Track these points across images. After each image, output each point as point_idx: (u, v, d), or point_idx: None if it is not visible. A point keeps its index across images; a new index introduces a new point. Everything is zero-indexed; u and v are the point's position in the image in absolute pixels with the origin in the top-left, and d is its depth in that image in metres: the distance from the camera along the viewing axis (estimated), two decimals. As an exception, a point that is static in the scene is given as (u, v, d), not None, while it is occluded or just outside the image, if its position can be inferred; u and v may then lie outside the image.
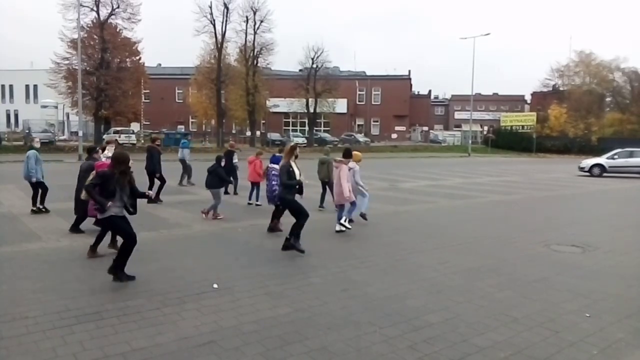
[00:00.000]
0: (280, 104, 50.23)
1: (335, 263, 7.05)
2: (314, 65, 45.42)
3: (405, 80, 67.91)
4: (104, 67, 36.33)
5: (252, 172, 12.20)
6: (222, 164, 11.02)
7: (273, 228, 8.97)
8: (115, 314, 4.89)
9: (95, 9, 36.37)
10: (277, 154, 10.01)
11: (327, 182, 11.68)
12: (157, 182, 12.68)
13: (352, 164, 9.81)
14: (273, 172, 9.33)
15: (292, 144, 8.03)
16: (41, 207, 10.54)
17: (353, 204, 9.42)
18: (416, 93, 77.48)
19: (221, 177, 10.38)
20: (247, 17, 41.92)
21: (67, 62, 36.53)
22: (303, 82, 45.71)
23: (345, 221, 9.18)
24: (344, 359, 4.08)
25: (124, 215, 5.97)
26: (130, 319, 4.80)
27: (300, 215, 7.46)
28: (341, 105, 54.04)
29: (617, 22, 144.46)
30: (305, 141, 47.07)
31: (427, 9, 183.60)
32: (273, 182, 9.23)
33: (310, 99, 45.89)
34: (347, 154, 9.74)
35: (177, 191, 14.36)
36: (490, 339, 4.55)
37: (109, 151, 10.61)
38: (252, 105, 43.05)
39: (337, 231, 9.08)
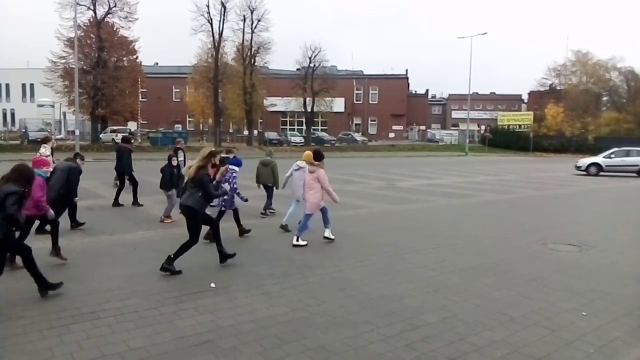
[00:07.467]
0: (278, 103, 50.11)
1: (332, 262, 7.06)
2: (312, 64, 45.43)
3: (402, 80, 67.92)
4: (101, 66, 36.16)
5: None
6: (175, 162, 10.35)
7: (241, 233, 8.64)
8: (112, 314, 4.88)
9: (92, 7, 36.17)
10: (238, 157, 9.01)
11: (270, 187, 10.93)
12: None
13: (302, 163, 9.10)
14: (234, 174, 8.57)
15: (211, 149, 6.85)
16: None
17: (324, 210, 8.44)
18: (413, 92, 77.52)
19: (165, 178, 9.95)
20: (244, 16, 41.84)
21: (63, 61, 36.34)
22: (300, 81, 45.68)
23: (328, 233, 8.45)
24: (341, 358, 4.09)
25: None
26: (128, 318, 4.79)
27: (195, 237, 6.52)
28: (339, 104, 53.96)
29: (613, 21, 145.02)
30: (303, 140, 47.07)
31: (423, 9, 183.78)
32: (235, 186, 8.55)
33: (307, 98, 45.87)
34: (321, 156, 8.51)
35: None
36: (487, 337, 4.56)
37: (45, 149, 10.40)
38: (250, 104, 42.98)
39: (326, 237, 8.40)
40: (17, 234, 5.54)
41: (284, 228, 9.11)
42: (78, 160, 9.17)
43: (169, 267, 6.28)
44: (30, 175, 5.40)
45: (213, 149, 6.89)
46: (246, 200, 8.67)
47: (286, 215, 9.31)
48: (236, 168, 8.75)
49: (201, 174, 6.45)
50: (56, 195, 7.88)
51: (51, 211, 6.49)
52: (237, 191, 8.58)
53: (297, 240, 8.06)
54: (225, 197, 8.36)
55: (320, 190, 8.27)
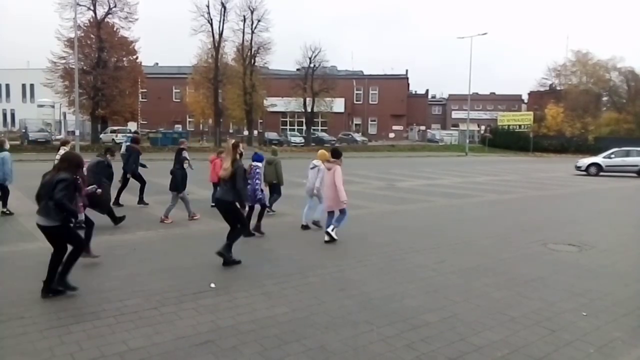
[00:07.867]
0: (278, 103, 50.13)
1: (332, 262, 7.06)
2: (312, 65, 45.44)
3: (402, 80, 67.95)
4: (101, 67, 36.18)
5: (213, 173, 11.04)
6: (186, 165, 10.39)
7: (257, 229, 8.77)
8: (113, 314, 4.88)
9: (92, 8, 36.22)
10: (259, 152, 9.25)
11: (275, 184, 10.95)
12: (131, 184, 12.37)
13: (317, 162, 9.31)
14: (257, 170, 8.84)
15: (233, 141, 7.16)
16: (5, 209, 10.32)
17: (343, 211, 8.60)
18: (413, 92, 77.54)
19: (174, 180, 10.00)
20: (244, 16, 41.80)
21: (63, 61, 36.36)
22: (300, 82, 45.68)
23: (333, 231, 8.42)
24: (341, 358, 4.09)
25: None
26: (128, 318, 4.79)
27: (243, 221, 6.93)
28: (339, 105, 53.97)
29: (613, 22, 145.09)
30: (303, 140, 47.07)
31: (423, 9, 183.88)
32: (257, 182, 8.73)
33: (307, 98, 45.88)
34: (338, 154, 8.86)
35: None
36: (487, 337, 4.56)
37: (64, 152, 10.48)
38: (250, 105, 42.97)
39: (327, 241, 8.31)
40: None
41: (316, 224, 9.51)
42: (108, 156, 9.35)
43: (225, 255, 6.64)
44: (79, 161, 5.61)
45: (234, 141, 7.08)
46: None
47: (316, 213, 9.57)
48: (260, 164, 8.96)
49: (236, 166, 6.70)
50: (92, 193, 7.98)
51: (81, 214, 6.66)
52: (258, 187, 8.79)
53: (332, 231, 8.41)
54: (258, 194, 8.70)
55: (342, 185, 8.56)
